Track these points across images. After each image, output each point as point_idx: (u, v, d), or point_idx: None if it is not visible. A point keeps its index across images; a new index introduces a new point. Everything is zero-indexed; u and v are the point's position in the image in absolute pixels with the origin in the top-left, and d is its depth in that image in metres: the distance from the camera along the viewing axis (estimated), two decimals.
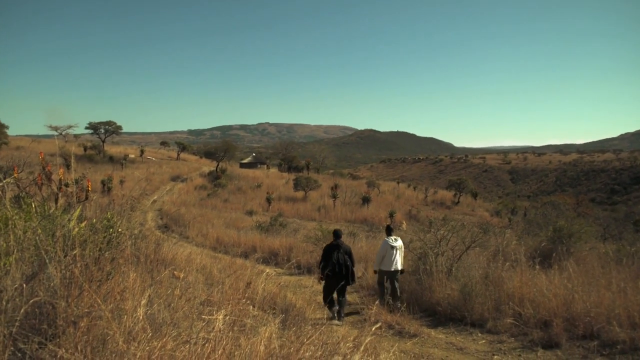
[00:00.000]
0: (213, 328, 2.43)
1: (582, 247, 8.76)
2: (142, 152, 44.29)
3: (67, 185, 3.74)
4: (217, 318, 2.47)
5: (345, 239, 11.13)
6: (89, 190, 3.77)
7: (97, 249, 2.59)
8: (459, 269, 6.89)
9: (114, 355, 2.04)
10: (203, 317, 2.72)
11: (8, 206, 2.51)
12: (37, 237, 2.33)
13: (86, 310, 2.13)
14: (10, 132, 42.66)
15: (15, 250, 2.25)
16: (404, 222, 21.79)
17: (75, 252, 2.27)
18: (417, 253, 7.65)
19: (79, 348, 2.01)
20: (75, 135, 45.77)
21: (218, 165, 37.81)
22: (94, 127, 38.65)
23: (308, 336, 2.70)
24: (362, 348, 2.70)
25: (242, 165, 52.56)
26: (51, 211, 2.95)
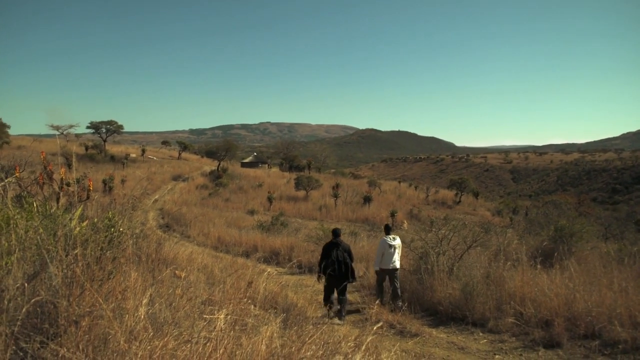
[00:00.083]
0: (214, 327, 2.43)
1: (584, 246, 8.74)
2: (143, 151, 44.40)
3: (68, 184, 3.75)
4: (218, 317, 2.47)
5: (346, 239, 11.13)
6: (90, 189, 3.78)
7: (99, 248, 2.59)
8: (460, 268, 6.89)
9: (115, 354, 2.04)
10: (204, 316, 2.72)
11: (10, 205, 2.51)
12: (38, 237, 2.33)
13: (88, 309, 2.13)
14: (11, 131, 42.89)
15: (17, 250, 2.26)
16: (406, 222, 21.77)
17: (76, 251, 2.27)
18: (419, 252, 7.64)
19: (81, 347, 2.01)
20: (77, 135, 45.84)
21: (219, 164, 37.80)
22: (95, 126, 38.70)
23: (309, 335, 2.70)
24: (363, 347, 2.70)
25: (244, 165, 52.61)
26: (53, 210, 2.96)
